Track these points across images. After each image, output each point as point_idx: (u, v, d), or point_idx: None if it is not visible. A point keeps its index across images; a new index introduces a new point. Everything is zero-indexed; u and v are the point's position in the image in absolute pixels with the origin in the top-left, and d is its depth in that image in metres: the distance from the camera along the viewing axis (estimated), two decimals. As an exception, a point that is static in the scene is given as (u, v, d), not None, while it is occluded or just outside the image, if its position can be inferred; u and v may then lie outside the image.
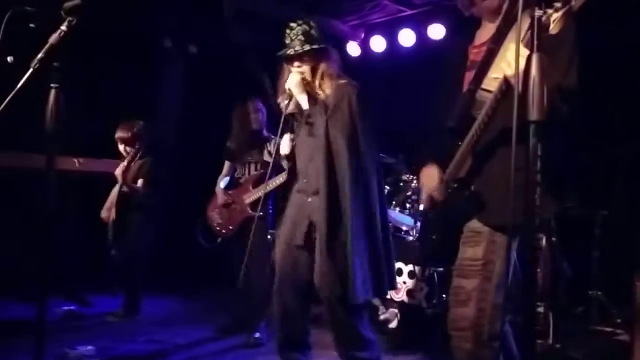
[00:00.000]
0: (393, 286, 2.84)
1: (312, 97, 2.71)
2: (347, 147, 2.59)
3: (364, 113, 2.68)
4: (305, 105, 2.71)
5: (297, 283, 2.71)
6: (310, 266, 2.67)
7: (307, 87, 2.71)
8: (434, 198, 2.09)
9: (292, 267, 2.72)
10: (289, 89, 2.70)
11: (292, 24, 2.70)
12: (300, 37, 2.66)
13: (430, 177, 2.10)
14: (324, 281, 2.57)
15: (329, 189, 2.56)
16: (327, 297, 2.61)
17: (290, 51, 2.67)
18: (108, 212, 4.55)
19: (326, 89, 2.68)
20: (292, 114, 2.81)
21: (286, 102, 2.74)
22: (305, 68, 2.69)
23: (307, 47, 2.65)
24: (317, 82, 2.70)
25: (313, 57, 2.69)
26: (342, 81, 2.72)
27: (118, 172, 4.30)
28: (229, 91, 5.00)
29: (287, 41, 2.69)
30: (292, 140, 2.83)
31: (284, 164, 2.99)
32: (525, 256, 1.35)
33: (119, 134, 4.45)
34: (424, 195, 2.18)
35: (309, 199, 2.70)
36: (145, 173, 4.43)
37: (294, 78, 2.69)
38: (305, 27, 2.68)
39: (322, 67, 2.70)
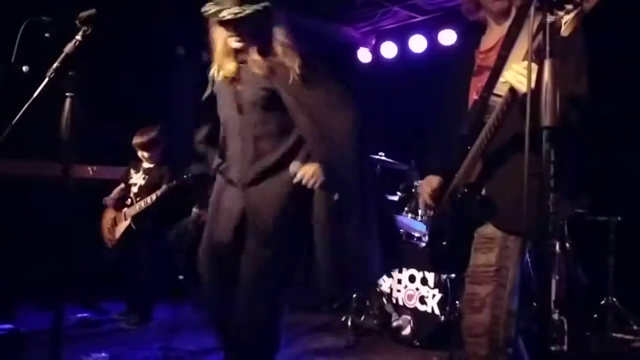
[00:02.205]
0: None
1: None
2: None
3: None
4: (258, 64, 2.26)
5: None
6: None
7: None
8: (427, 204, 2.14)
9: None
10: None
11: None
12: None
13: (426, 185, 2.14)
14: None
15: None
16: None
17: (226, 14, 2.06)
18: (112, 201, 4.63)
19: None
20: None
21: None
22: (244, 32, 2.16)
23: (249, 10, 2.06)
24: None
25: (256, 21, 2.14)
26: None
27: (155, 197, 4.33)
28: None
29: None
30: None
31: None
32: (540, 262, 1.34)
33: (136, 140, 4.49)
34: (421, 203, 2.22)
35: None
36: (169, 180, 4.43)
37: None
38: None
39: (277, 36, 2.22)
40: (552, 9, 1.25)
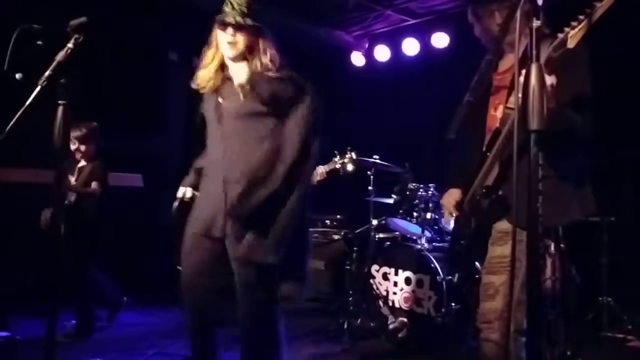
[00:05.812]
0: None
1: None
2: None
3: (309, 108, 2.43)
4: (243, 76, 2.41)
5: None
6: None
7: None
8: (451, 214, 2.33)
9: None
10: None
11: None
12: (244, 9, 2.39)
13: (449, 197, 2.33)
14: None
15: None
16: None
17: (230, 19, 2.38)
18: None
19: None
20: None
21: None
22: (240, 40, 2.41)
23: (249, 22, 2.38)
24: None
25: (251, 34, 2.42)
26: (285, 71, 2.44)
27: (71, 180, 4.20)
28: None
29: (227, 9, 2.40)
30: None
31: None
32: (531, 262, 1.37)
33: (73, 132, 4.30)
34: (445, 215, 2.46)
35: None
36: (99, 175, 4.32)
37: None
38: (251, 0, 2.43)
39: (262, 45, 2.43)
40: (538, 13, 1.27)
